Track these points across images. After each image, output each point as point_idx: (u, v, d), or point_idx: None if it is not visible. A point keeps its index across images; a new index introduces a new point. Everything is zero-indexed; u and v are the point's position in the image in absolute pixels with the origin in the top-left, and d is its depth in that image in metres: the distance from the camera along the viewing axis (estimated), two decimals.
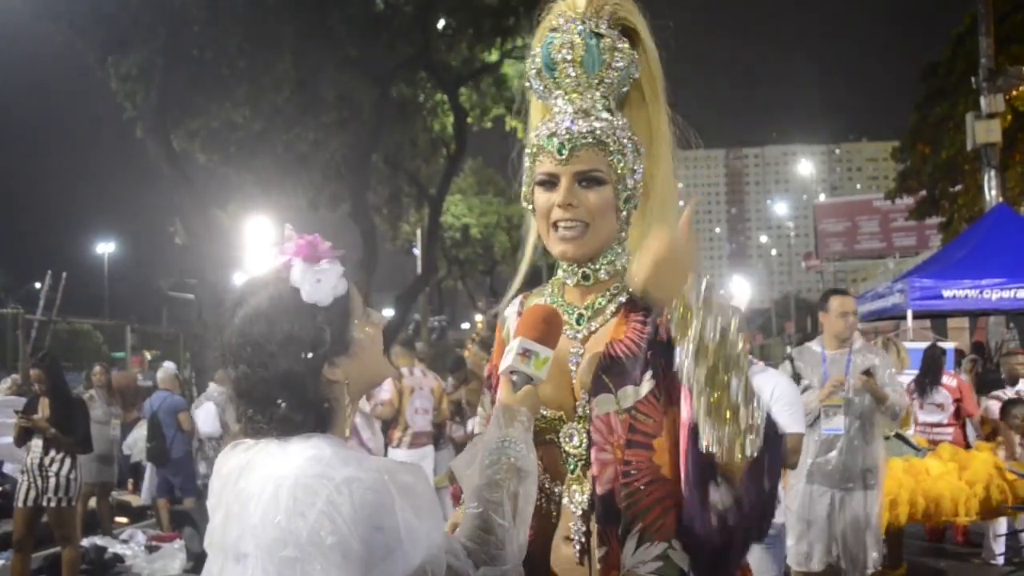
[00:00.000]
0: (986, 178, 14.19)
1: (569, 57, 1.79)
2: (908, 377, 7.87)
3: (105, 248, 51.60)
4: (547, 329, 1.72)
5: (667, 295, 1.59)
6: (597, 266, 1.83)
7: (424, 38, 19.12)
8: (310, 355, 1.47)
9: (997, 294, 10.18)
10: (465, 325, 51.09)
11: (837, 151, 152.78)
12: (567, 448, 1.79)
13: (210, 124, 18.59)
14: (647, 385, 1.70)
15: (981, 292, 10.20)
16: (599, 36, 1.79)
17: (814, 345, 5.38)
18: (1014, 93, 15.38)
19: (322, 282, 1.49)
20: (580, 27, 1.79)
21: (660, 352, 1.71)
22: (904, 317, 11.17)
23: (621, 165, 1.77)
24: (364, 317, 1.58)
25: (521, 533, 1.53)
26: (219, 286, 17.78)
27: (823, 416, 5.06)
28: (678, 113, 1.93)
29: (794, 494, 5.14)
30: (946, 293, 10.34)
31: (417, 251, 28.97)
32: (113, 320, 24.84)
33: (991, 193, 14.00)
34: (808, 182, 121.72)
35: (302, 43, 17.34)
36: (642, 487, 1.69)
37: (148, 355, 26.55)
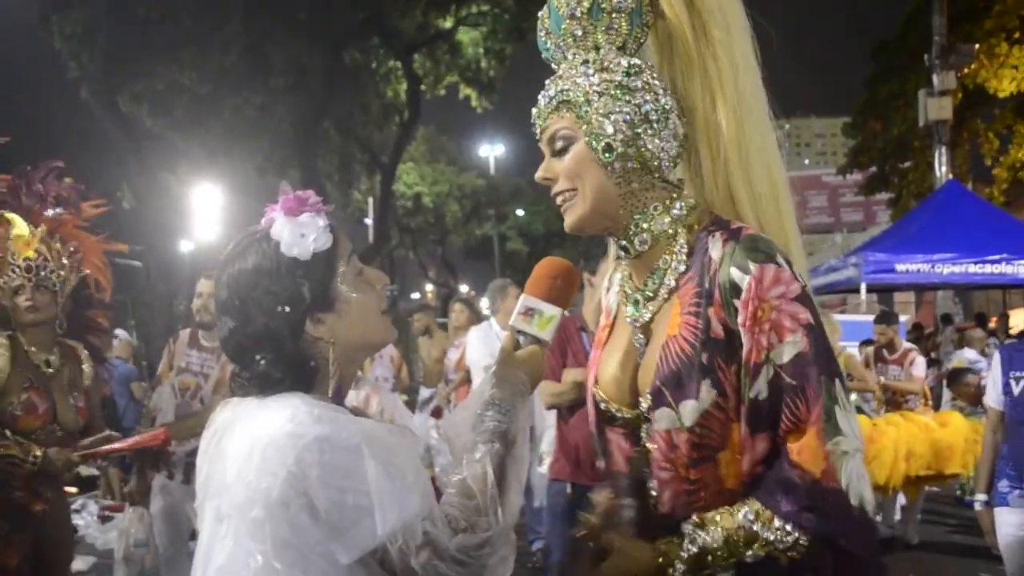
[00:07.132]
0: (936, 155, 14.47)
1: (568, 11, 1.57)
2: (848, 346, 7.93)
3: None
4: (554, 285, 1.58)
5: None
6: (631, 235, 1.60)
7: (377, 3, 18.78)
8: (287, 309, 1.45)
9: (948, 268, 10.44)
10: (415, 295, 50.84)
11: (787, 126, 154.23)
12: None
13: (156, 86, 18.10)
14: (708, 397, 1.49)
15: (933, 266, 10.46)
16: None
17: None
18: (965, 71, 15.64)
19: (304, 236, 1.47)
20: None
21: (716, 351, 1.49)
22: (857, 290, 11.37)
23: (591, 113, 1.53)
24: (356, 273, 1.53)
25: (510, 500, 1.43)
26: (167, 252, 17.44)
27: None
28: None
29: None
30: (899, 267, 10.57)
31: (369, 220, 28.68)
32: None
33: (941, 169, 14.29)
34: None
35: (252, 4, 16.93)
36: (708, 504, 1.53)
37: None
